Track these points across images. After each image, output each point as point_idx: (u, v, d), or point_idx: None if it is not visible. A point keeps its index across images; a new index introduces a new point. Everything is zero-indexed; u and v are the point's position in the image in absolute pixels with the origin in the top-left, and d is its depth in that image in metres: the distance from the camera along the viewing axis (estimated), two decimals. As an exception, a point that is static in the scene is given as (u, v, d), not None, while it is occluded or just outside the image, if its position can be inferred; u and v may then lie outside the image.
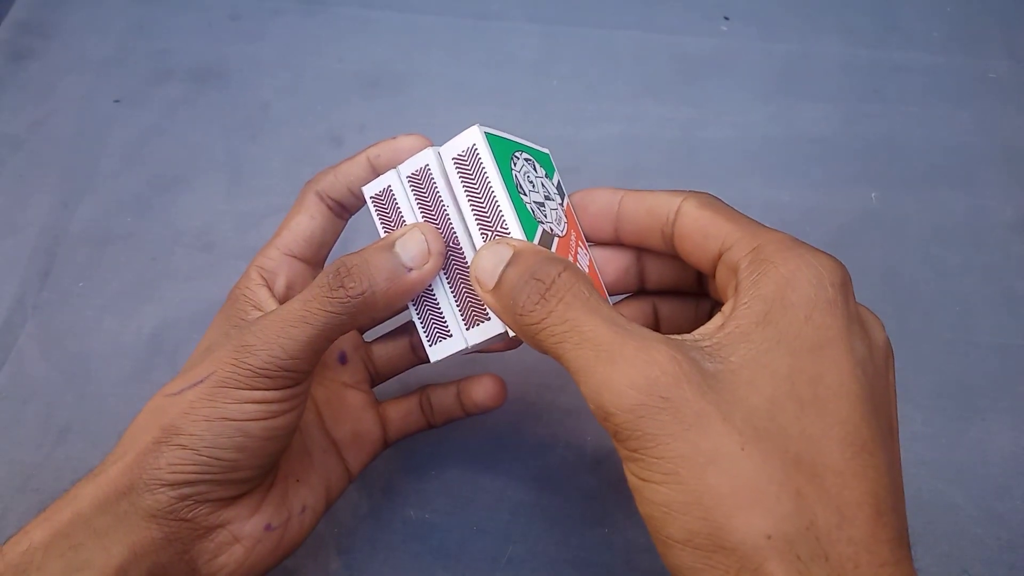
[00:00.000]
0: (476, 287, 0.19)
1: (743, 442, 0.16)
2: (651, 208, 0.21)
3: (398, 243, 0.21)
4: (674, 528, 0.16)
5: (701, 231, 0.20)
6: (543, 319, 0.18)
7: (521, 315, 0.18)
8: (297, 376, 0.21)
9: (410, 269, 0.21)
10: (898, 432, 0.18)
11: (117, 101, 0.41)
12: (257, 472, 0.22)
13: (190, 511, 0.21)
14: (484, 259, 0.19)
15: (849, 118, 0.41)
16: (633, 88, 0.42)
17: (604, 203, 0.22)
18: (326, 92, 0.41)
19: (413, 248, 0.21)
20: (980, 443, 0.31)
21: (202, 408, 0.20)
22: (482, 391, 0.26)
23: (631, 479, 0.17)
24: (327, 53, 0.43)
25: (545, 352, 0.18)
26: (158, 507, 0.20)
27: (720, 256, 0.19)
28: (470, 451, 0.31)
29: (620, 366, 0.16)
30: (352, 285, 0.20)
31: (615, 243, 0.23)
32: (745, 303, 0.17)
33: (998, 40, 0.42)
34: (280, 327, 0.21)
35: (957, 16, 0.43)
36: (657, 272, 0.24)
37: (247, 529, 0.22)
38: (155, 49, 0.43)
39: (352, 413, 0.26)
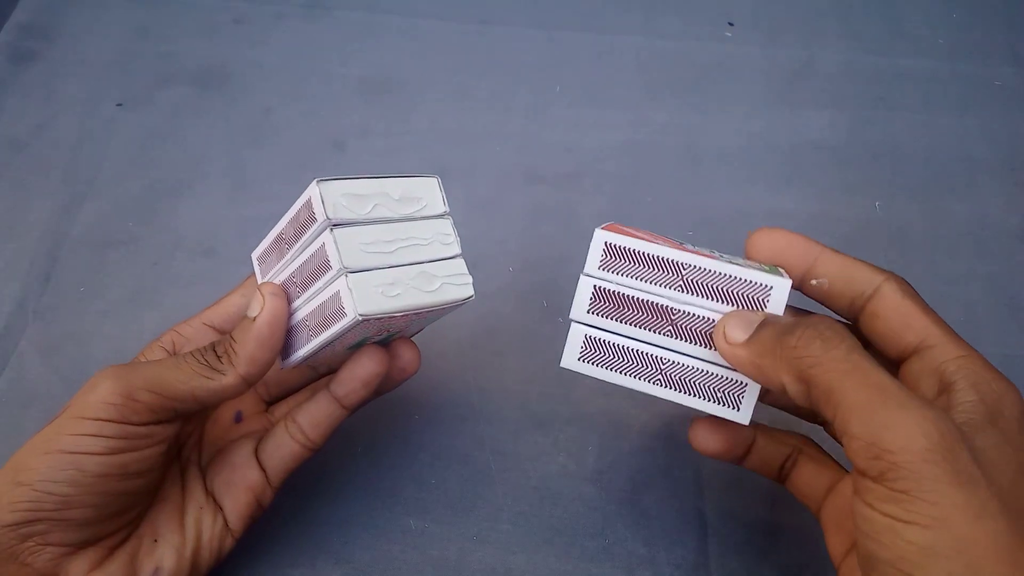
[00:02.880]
0: (722, 346, 0.21)
1: (1001, 510, 0.17)
2: (851, 278, 0.22)
3: (249, 308, 0.23)
4: (935, 569, 0.17)
5: (902, 319, 0.22)
6: (825, 353, 0.19)
7: (797, 347, 0.19)
8: (148, 416, 0.22)
9: (252, 318, 0.23)
10: None
11: (119, 105, 0.41)
12: (94, 513, 0.21)
13: (31, 554, 0.20)
14: (734, 319, 0.21)
15: (853, 125, 0.41)
16: (636, 94, 0.42)
17: (802, 252, 0.23)
18: (329, 97, 0.41)
19: (254, 302, 0.23)
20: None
21: (44, 442, 0.21)
22: (362, 369, 0.24)
23: (880, 520, 0.18)
24: (330, 58, 0.43)
25: (812, 385, 0.19)
26: (8, 551, 0.20)
27: (916, 350, 0.21)
28: (470, 460, 0.30)
29: (911, 412, 0.18)
30: (218, 348, 0.23)
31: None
32: (969, 402, 0.20)
33: (1004, 47, 0.42)
34: (147, 366, 0.22)
35: (963, 23, 0.43)
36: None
37: None
38: (158, 53, 0.43)
39: (236, 466, 0.25)
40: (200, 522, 0.24)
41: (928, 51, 0.42)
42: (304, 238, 0.23)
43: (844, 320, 0.23)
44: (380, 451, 0.30)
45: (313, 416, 0.25)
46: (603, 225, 0.23)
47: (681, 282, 0.22)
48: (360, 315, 0.21)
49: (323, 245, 0.22)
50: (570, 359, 0.23)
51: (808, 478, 0.24)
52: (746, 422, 0.22)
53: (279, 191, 0.38)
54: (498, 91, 0.41)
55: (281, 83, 0.42)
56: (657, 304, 0.22)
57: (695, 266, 0.22)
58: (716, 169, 0.39)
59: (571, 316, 0.22)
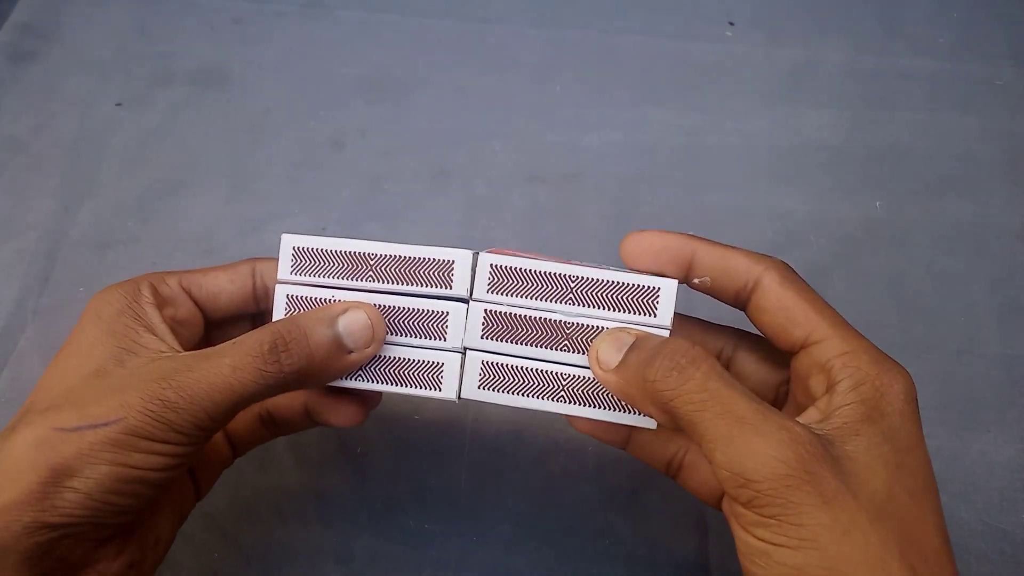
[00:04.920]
0: (595, 369, 0.21)
1: (870, 519, 0.18)
2: (728, 270, 0.22)
3: (341, 321, 0.21)
4: None
5: (785, 313, 0.21)
6: (681, 386, 0.19)
7: (655, 381, 0.19)
8: (209, 434, 0.21)
9: (350, 351, 0.21)
10: None
11: (119, 104, 0.41)
12: (139, 515, 0.21)
13: (67, 550, 0.20)
14: (605, 343, 0.21)
15: (854, 125, 0.40)
16: (636, 94, 0.41)
17: (677, 250, 0.22)
18: (328, 96, 0.41)
19: (357, 330, 0.21)
20: (985, 456, 0.31)
21: (105, 453, 0.19)
22: (340, 416, 0.24)
23: (755, 543, 0.18)
24: (329, 57, 0.43)
25: (674, 418, 0.19)
26: (37, 550, 0.19)
27: (804, 345, 0.21)
28: (471, 461, 0.30)
29: (767, 438, 0.18)
30: (288, 362, 0.20)
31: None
32: (848, 405, 0.20)
33: (1004, 46, 0.42)
34: (206, 390, 0.20)
35: (963, 22, 0.43)
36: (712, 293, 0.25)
37: (114, 568, 0.21)
38: (157, 52, 0.43)
39: (210, 444, 0.25)
40: (181, 491, 0.24)
41: (929, 51, 0.42)
42: (421, 288, 0.22)
43: (729, 329, 0.24)
44: (380, 451, 0.30)
45: (281, 408, 0.25)
46: (487, 249, 0.22)
47: (571, 295, 0.21)
48: (463, 399, 0.22)
49: (448, 314, 0.22)
50: (470, 389, 0.22)
51: (702, 476, 0.24)
52: (654, 427, 0.22)
53: (278, 191, 0.38)
54: (498, 91, 0.41)
55: (280, 83, 0.42)
56: (550, 320, 0.21)
57: (583, 277, 0.21)
58: (716, 169, 0.39)
59: (464, 344, 0.22)
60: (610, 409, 0.22)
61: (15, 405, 0.32)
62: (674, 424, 0.20)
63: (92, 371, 0.21)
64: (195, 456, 0.21)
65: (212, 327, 0.25)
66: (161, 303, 0.23)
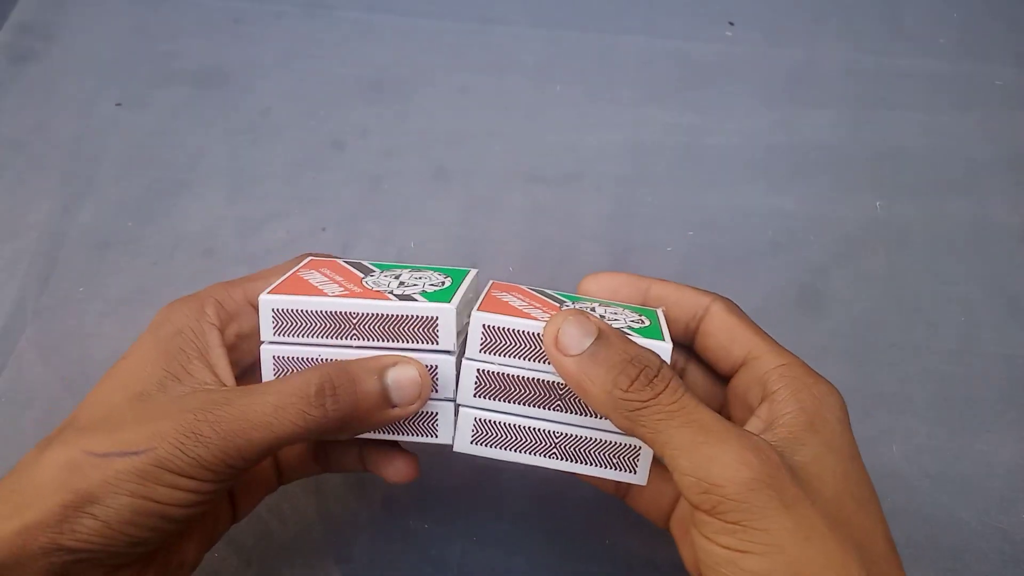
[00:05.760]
0: (551, 349, 0.20)
1: (827, 525, 0.18)
2: (679, 301, 0.24)
3: (390, 374, 0.21)
4: None
5: (728, 335, 0.23)
6: (650, 399, 0.19)
7: (624, 391, 0.20)
8: (239, 474, 0.20)
9: (394, 405, 0.21)
10: None
11: (119, 104, 0.41)
12: (160, 546, 0.21)
13: (81, 573, 0.20)
14: (571, 326, 0.20)
15: (854, 125, 0.41)
16: (637, 94, 0.42)
17: (633, 287, 0.24)
18: (328, 96, 0.41)
19: (406, 386, 0.21)
20: (985, 455, 0.31)
21: (128, 483, 0.19)
22: (393, 472, 0.24)
23: (719, 552, 0.18)
24: (329, 57, 0.43)
25: (635, 424, 0.20)
26: (51, 570, 0.19)
27: (743, 362, 0.22)
28: (470, 461, 0.30)
29: (731, 445, 0.19)
30: (334, 408, 0.20)
31: None
32: (789, 413, 0.20)
33: (1004, 47, 0.42)
34: (243, 427, 0.20)
35: (963, 22, 0.43)
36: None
37: None
38: (157, 52, 0.43)
39: (257, 470, 0.25)
40: (217, 519, 0.24)
41: (929, 51, 0.42)
42: (408, 344, 0.22)
43: (682, 345, 0.25)
44: (380, 451, 0.30)
45: (339, 459, 0.25)
46: (479, 304, 0.22)
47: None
48: (457, 450, 0.22)
49: (437, 367, 0.22)
50: (463, 443, 0.22)
51: (650, 494, 0.24)
52: (644, 483, 0.22)
53: (278, 191, 0.38)
54: (498, 91, 0.41)
55: (280, 82, 0.42)
56: (541, 380, 0.22)
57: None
58: (716, 169, 0.39)
59: (458, 401, 0.22)
60: (600, 466, 0.22)
61: (15, 405, 0.32)
62: (629, 428, 0.20)
63: (135, 393, 0.21)
64: (219, 496, 0.21)
65: None
66: (227, 319, 0.23)
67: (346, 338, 0.22)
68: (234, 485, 0.25)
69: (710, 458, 0.18)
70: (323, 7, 0.45)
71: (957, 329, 0.34)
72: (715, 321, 0.23)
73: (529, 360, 0.22)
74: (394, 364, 0.21)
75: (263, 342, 0.22)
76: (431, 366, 0.22)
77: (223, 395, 0.20)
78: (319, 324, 0.22)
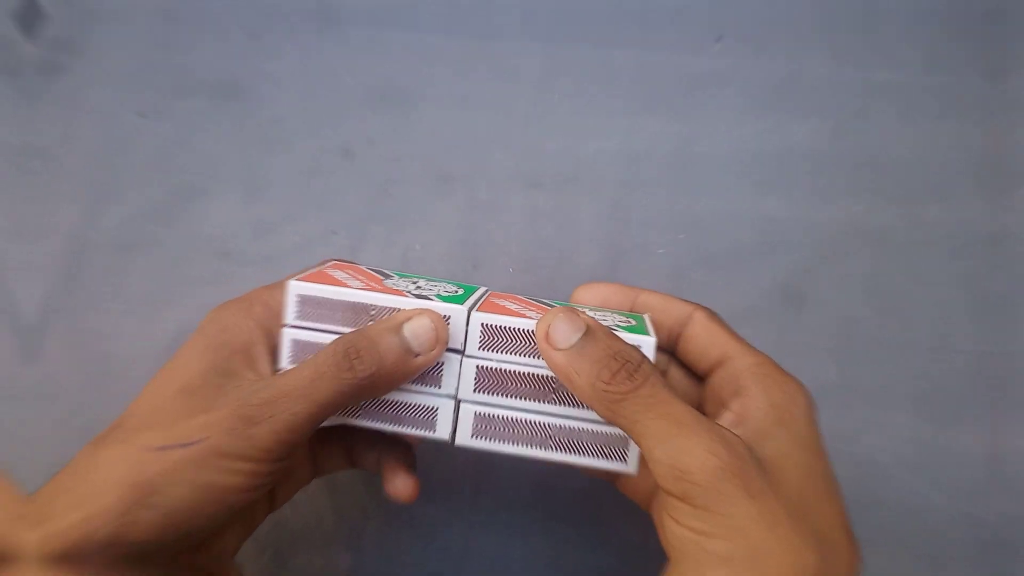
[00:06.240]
0: (542, 343, 0.21)
1: (788, 516, 0.19)
2: (665, 309, 0.25)
3: (406, 327, 0.22)
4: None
5: (708, 338, 0.24)
6: (630, 391, 0.20)
7: (607, 383, 0.21)
8: (291, 449, 0.21)
9: (417, 354, 0.22)
10: None
11: (142, 115, 0.42)
12: (212, 535, 0.22)
13: (140, 565, 0.20)
14: (561, 322, 0.21)
15: (836, 134, 0.42)
16: (630, 104, 0.43)
17: (623, 296, 0.26)
18: (338, 107, 0.43)
19: (423, 334, 0.22)
20: (960, 447, 0.32)
21: (187, 473, 0.20)
22: (394, 488, 0.26)
23: (686, 533, 0.20)
24: (339, 70, 0.44)
25: (616, 414, 0.21)
26: (113, 563, 0.19)
27: (720, 362, 0.24)
28: (471, 451, 0.32)
29: (702, 437, 0.20)
30: (361, 368, 0.21)
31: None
32: (759, 408, 0.22)
33: (977, 60, 0.44)
34: (286, 403, 0.20)
35: (937, 38, 0.44)
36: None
37: None
38: (177, 66, 0.44)
39: (295, 465, 0.26)
40: (256, 506, 0.25)
41: (905, 65, 0.44)
42: None
43: (665, 349, 0.26)
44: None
45: (361, 454, 0.26)
46: (477, 307, 0.23)
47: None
48: (457, 445, 0.23)
49: (441, 365, 0.23)
50: (463, 437, 0.23)
51: (635, 479, 0.25)
52: (635, 472, 0.23)
53: (289, 195, 0.39)
54: (499, 101, 0.43)
55: (293, 94, 0.43)
56: (536, 375, 0.23)
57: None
58: (706, 175, 0.40)
59: (458, 396, 0.23)
60: (593, 456, 0.23)
61: (42, 399, 0.33)
62: (611, 418, 0.21)
63: (183, 389, 0.21)
64: (275, 478, 0.22)
65: None
66: (273, 320, 0.23)
67: (362, 326, 0.23)
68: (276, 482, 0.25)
69: (682, 448, 0.19)
70: (334, 23, 0.46)
71: (932, 327, 0.36)
72: (697, 326, 0.25)
73: (524, 356, 0.23)
74: (408, 319, 0.22)
75: (284, 325, 0.23)
76: (438, 362, 0.23)
77: (264, 382, 0.21)
78: (339, 313, 0.23)
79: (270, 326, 0.23)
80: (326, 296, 0.23)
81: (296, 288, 0.23)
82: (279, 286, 0.24)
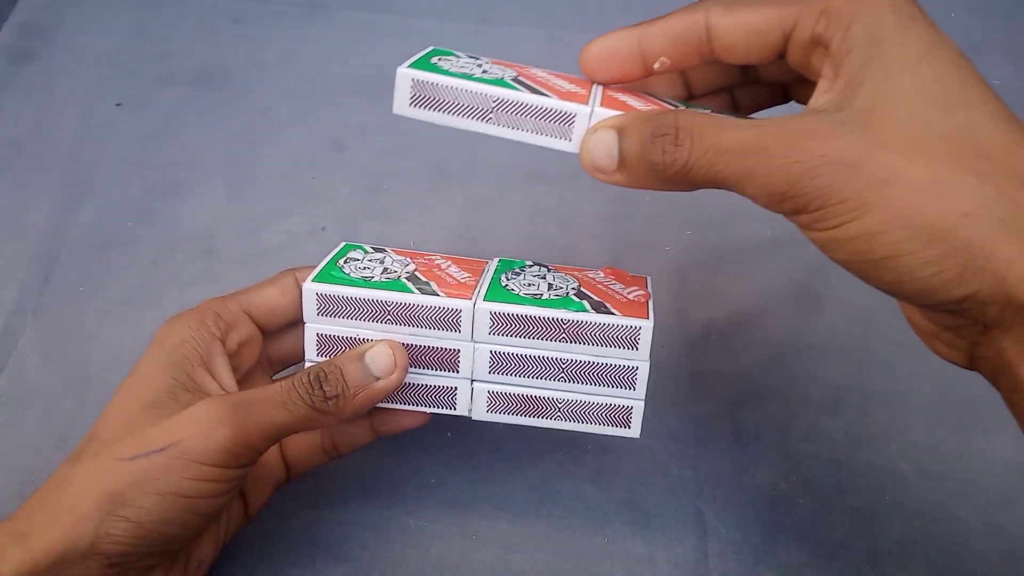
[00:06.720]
0: (597, 175, 0.21)
1: (906, 156, 0.17)
2: (675, 37, 0.21)
3: (367, 355, 0.23)
4: (881, 245, 0.17)
5: (747, 33, 0.20)
6: (687, 161, 0.19)
7: (665, 170, 0.19)
8: (256, 456, 0.22)
9: (377, 379, 0.23)
10: None
11: (119, 105, 0.41)
12: (186, 543, 0.22)
13: None
14: (595, 148, 0.20)
15: None
16: (635, 93, 0.42)
17: (625, 47, 0.22)
18: (327, 96, 0.41)
19: (381, 360, 0.23)
20: (983, 454, 0.31)
21: (156, 481, 0.20)
22: (408, 419, 0.26)
23: (820, 236, 0.18)
24: (328, 57, 0.43)
25: (704, 185, 0.19)
26: (88, 575, 0.20)
27: (786, 42, 0.20)
28: (469, 459, 0.31)
29: (773, 155, 0.18)
30: (328, 389, 0.22)
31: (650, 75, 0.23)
32: (847, 56, 0.18)
33: (1002, 47, 0.42)
34: (258, 408, 0.22)
35: (961, 23, 0.43)
36: (703, 79, 0.24)
37: None
38: (157, 52, 0.43)
39: (265, 465, 0.26)
40: (230, 514, 0.25)
41: (927, 50, 0.42)
42: (434, 332, 0.25)
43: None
44: (379, 450, 0.31)
45: (347, 436, 0.27)
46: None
47: (564, 334, 0.24)
48: (475, 419, 0.25)
49: (459, 351, 0.25)
50: (479, 412, 0.25)
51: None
52: (638, 436, 0.25)
53: (278, 190, 0.38)
54: (497, 90, 0.41)
55: (280, 82, 0.42)
56: (547, 356, 0.25)
57: (572, 320, 0.24)
58: (715, 168, 0.39)
59: (473, 377, 0.25)
60: (599, 424, 0.25)
61: (15, 405, 0.32)
62: (693, 187, 0.19)
63: (148, 402, 0.22)
64: (240, 483, 0.22)
65: (267, 338, 0.26)
66: (226, 328, 0.24)
67: (379, 321, 0.25)
68: (245, 487, 0.25)
69: (767, 173, 0.18)
70: (323, 7, 0.45)
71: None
72: (724, 31, 0.20)
73: (533, 339, 0.24)
74: (371, 348, 0.24)
75: (305, 322, 0.25)
76: (454, 349, 0.25)
77: (234, 395, 0.22)
78: (357, 309, 0.25)
79: (224, 336, 0.24)
80: (342, 295, 0.24)
81: (312, 288, 0.25)
82: (230, 297, 0.25)
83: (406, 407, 0.26)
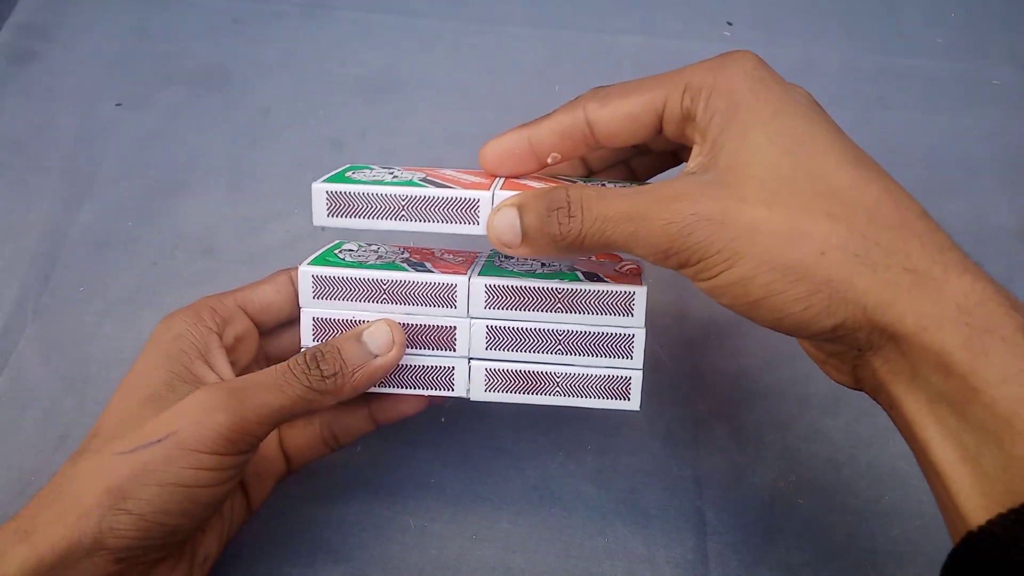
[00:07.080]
0: (504, 250, 0.22)
1: (766, 206, 0.19)
2: (561, 134, 0.23)
3: (365, 334, 0.24)
4: (755, 288, 0.19)
5: (624, 120, 0.22)
6: (580, 230, 0.20)
7: (562, 240, 0.21)
8: (255, 442, 0.22)
9: (376, 356, 0.23)
10: None
11: (119, 105, 0.41)
12: (190, 535, 0.22)
13: (123, 572, 0.21)
14: (499, 225, 0.22)
15: (853, 124, 0.40)
16: (635, 93, 0.42)
17: (519, 148, 0.24)
18: (327, 96, 0.41)
19: (380, 337, 0.24)
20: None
21: (156, 472, 0.20)
22: (407, 405, 0.27)
23: (705, 285, 0.20)
24: (328, 57, 0.43)
25: (599, 250, 0.21)
26: (94, 571, 0.20)
27: (661, 121, 0.22)
28: (469, 459, 0.30)
29: (651, 219, 0.20)
30: (326, 367, 0.23)
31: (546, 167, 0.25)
32: (710, 121, 0.20)
33: (1002, 47, 0.42)
34: (253, 392, 0.22)
35: (961, 23, 0.43)
36: (599, 158, 0.26)
37: None
38: (157, 53, 0.43)
39: (265, 458, 0.26)
40: (233, 507, 0.25)
41: (927, 51, 0.42)
42: (430, 309, 0.25)
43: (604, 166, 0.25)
44: (379, 450, 0.31)
45: (347, 426, 0.27)
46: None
47: (559, 304, 0.24)
48: (474, 399, 0.25)
49: (455, 328, 0.25)
50: (478, 392, 0.25)
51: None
52: (637, 408, 0.25)
53: (278, 190, 0.38)
54: (497, 90, 0.41)
55: (280, 83, 0.42)
56: (543, 329, 0.25)
57: (568, 289, 0.24)
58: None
59: (470, 354, 0.25)
60: (598, 398, 0.25)
61: (15, 405, 0.32)
62: (589, 252, 0.22)
63: (147, 396, 0.22)
64: (240, 471, 0.22)
65: (263, 337, 0.27)
66: (222, 324, 0.25)
67: (375, 302, 0.25)
68: (244, 474, 0.25)
69: (646, 236, 0.19)
70: (323, 7, 0.45)
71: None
72: (603, 125, 0.22)
73: (530, 311, 0.24)
74: (368, 327, 0.24)
75: (302, 307, 0.25)
76: (450, 327, 0.25)
77: (232, 381, 0.22)
78: (353, 290, 0.25)
79: (221, 331, 0.24)
80: (337, 275, 0.25)
81: (308, 271, 0.25)
82: (226, 294, 0.25)
83: (403, 391, 0.25)
